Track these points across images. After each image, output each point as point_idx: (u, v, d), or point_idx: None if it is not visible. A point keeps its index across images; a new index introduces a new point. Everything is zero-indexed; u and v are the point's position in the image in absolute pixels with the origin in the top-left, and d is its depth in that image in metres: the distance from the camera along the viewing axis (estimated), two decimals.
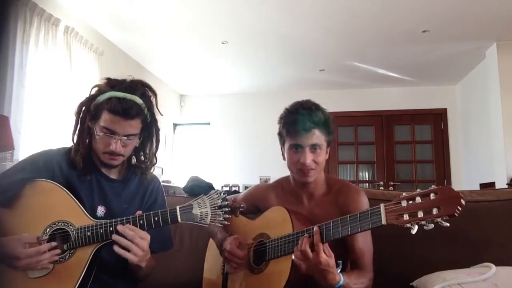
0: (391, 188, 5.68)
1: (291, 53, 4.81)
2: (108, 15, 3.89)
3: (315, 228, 1.14)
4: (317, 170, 1.35)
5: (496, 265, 1.26)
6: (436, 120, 5.98)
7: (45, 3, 3.26)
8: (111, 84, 1.30)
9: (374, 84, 5.88)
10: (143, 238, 1.15)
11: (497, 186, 4.28)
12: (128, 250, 1.14)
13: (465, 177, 5.62)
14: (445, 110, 5.95)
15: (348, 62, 5.07)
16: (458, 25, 4.00)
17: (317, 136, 1.31)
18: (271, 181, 1.71)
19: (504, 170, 4.28)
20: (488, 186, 4.53)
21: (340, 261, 1.17)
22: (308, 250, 1.11)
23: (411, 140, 6.03)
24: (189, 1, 3.63)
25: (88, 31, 3.98)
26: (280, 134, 1.40)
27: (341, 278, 1.16)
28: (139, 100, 1.28)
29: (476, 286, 1.18)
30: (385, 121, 6.08)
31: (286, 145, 1.35)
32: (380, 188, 4.80)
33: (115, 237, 1.15)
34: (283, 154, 1.42)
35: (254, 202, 1.52)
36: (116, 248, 1.15)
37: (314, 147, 1.31)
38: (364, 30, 4.15)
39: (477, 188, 4.60)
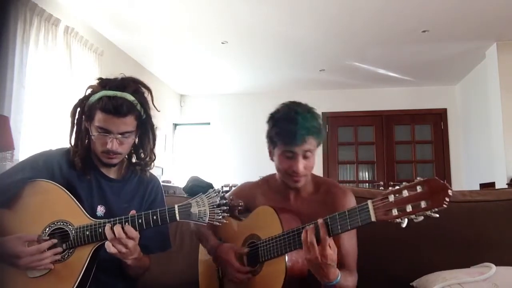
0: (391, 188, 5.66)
1: (291, 53, 4.81)
2: (108, 15, 3.89)
3: (320, 221, 1.12)
4: (308, 176, 1.35)
5: (496, 265, 1.26)
6: (436, 120, 5.98)
7: (45, 3, 3.26)
8: (103, 83, 1.30)
9: (374, 84, 5.88)
10: (130, 238, 1.15)
11: (497, 186, 4.28)
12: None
13: (465, 177, 5.62)
14: (445, 110, 5.95)
15: (348, 62, 5.07)
16: (458, 25, 4.00)
17: (310, 142, 1.29)
18: None
19: (504, 170, 4.27)
20: (488, 186, 4.52)
21: None
22: (315, 243, 1.10)
23: (411, 140, 6.02)
24: (189, 1, 3.63)
25: (88, 31, 3.98)
26: (270, 137, 1.35)
27: (339, 274, 1.15)
28: (130, 97, 1.27)
29: (476, 286, 1.18)
30: (385, 121, 6.07)
31: (278, 150, 1.32)
32: (380, 188, 4.78)
33: (106, 229, 1.16)
34: (270, 154, 1.39)
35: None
36: (106, 242, 1.15)
37: (306, 154, 1.29)
38: (364, 30, 4.15)
39: (477, 188, 4.60)
